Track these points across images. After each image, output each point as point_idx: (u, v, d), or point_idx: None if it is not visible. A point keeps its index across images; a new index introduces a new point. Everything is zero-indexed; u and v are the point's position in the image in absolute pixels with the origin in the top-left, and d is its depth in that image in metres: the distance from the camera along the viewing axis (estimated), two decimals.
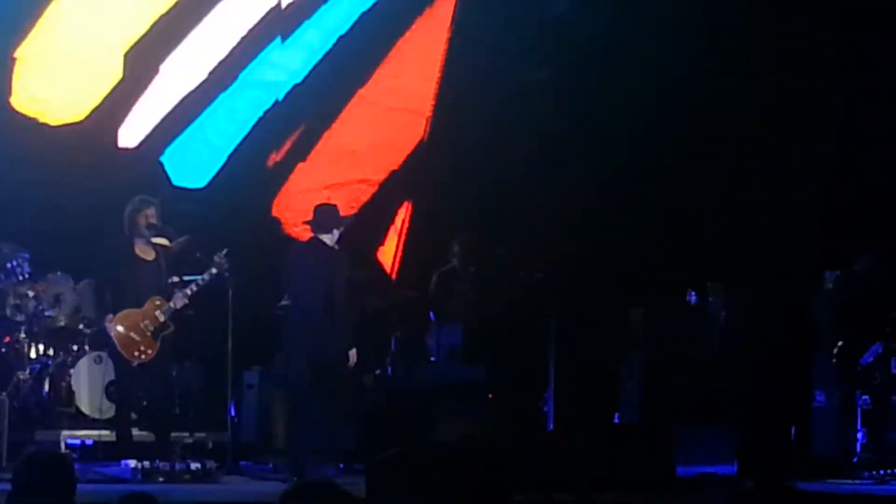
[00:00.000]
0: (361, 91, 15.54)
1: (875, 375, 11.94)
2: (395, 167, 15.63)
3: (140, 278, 11.61)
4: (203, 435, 12.53)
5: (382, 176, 15.58)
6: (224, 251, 11.67)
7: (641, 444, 11.81)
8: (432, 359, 13.25)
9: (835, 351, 12.03)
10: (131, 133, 14.57)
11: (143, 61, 14.59)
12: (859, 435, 12.28)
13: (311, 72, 15.29)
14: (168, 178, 14.60)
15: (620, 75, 15.34)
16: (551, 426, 12.40)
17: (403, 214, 15.65)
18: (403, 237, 15.52)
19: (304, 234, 12.14)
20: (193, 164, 14.83)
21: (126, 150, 14.52)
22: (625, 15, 15.45)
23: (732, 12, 15.18)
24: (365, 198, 15.46)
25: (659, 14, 15.23)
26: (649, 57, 15.21)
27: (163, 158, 14.70)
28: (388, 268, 15.49)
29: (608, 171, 15.04)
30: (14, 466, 5.35)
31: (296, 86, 15.22)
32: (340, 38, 15.38)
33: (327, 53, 15.36)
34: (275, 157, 15.26)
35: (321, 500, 4.74)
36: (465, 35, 15.69)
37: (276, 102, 15.16)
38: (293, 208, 14.89)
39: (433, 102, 15.71)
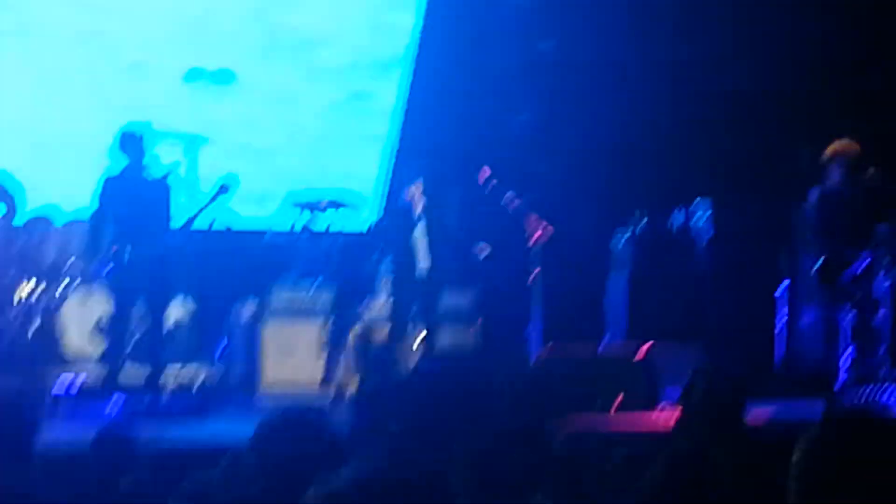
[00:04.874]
0: None
1: (861, 287, 11.85)
2: None
3: None
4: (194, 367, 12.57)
5: None
6: None
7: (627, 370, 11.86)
8: None
9: (817, 267, 11.94)
10: None
11: None
12: (847, 351, 12.23)
13: None
14: None
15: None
16: (536, 350, 12.39)
17: None
18: None
19: None
20: None
21: None
22: None
23: None
24: None
25: None
26: None
27: None
28: None
29: (594, 89, 14.95)
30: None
31: None
32: None
33: None
34: None
35: (303, 427, 4.38)
36: None
37: None
38: None
39: None
